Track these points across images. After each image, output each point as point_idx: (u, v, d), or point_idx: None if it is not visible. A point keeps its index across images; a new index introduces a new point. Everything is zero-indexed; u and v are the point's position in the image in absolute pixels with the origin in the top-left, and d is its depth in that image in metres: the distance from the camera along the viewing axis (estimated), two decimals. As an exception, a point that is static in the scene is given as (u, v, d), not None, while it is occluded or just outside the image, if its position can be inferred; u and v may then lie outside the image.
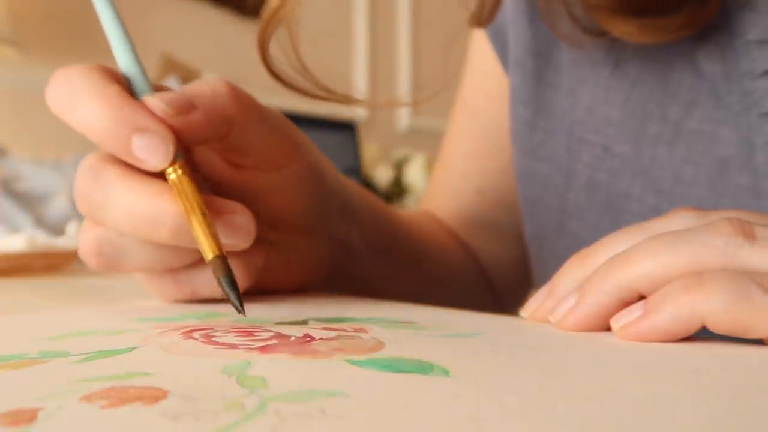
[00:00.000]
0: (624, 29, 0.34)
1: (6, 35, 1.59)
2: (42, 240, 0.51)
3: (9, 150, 1.48)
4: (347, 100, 0.38)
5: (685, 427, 0.13)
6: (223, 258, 0.25)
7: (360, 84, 2.30)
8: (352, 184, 0.39)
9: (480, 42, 0.50)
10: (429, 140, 2.42)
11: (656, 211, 0.37)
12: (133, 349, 0.20)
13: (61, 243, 0.53)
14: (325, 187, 0.34)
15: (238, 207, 0.27)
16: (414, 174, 2.05)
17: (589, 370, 0.18)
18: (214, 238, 0.25)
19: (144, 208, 0.25)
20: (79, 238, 0.28)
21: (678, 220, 0.25)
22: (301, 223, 0.33)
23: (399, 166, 2.07)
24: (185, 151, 0.27)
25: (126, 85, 0.27)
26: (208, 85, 0.27)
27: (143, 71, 0.27)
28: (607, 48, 0.39)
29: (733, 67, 0.35)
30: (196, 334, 0.22)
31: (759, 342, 0.21)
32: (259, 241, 0.28)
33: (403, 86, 2.45)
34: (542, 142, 0.43)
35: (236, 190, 0.30)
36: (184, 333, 0.22)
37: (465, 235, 0.52)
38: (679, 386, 0.16)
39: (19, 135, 1.73)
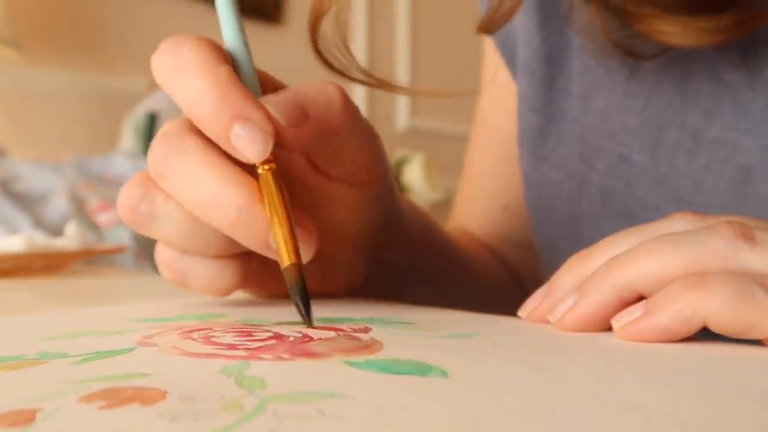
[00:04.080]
0: (667, 29, 0.33)
1: (5, 36, 1.59)
2: (41, 240, 0.51)
3: (8, 151, 1.48)
4: (385, 85, 0.36)
5: (685, 427, 0.13)
6: (299, 268, 0.24)
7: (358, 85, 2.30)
8: (409, 204, 0.38)
9: (495, 55, 0.49)
10: (428, 141, 2.42)
11: None
12: (132, 349, 0.20)
13: (60, 243, 0.53)
14: (389, 209, 0.33)
15: (307, 223, 0.26)
16: (413, 174, 2.05)
17: (589, 370, 0.18)
18: (294, 245, 0.24)
19: (213, 188, 0.24)
20: (155, 254, 0.28)
21: (678, 223, 0.25)
22: (354, 239, 0.32)
23: (398, 167, 2.07)
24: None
25: (233, 66, 0.26)
26: (321, 93, 0.26)
27: (249, 54, 0.26)
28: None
29: (756, 76, 0.34)
30: (194, 335, 0.22)
31: (758, 343, 0.21)
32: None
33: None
34: (554, 149, 0.43)
35: (309, 195, 0.29)
36: (182, 333, 0.22)
37: (503, 254, 0.52)
38: (679, 387, 0.16)
39: (18, 136, 1.73)
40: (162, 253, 0.27)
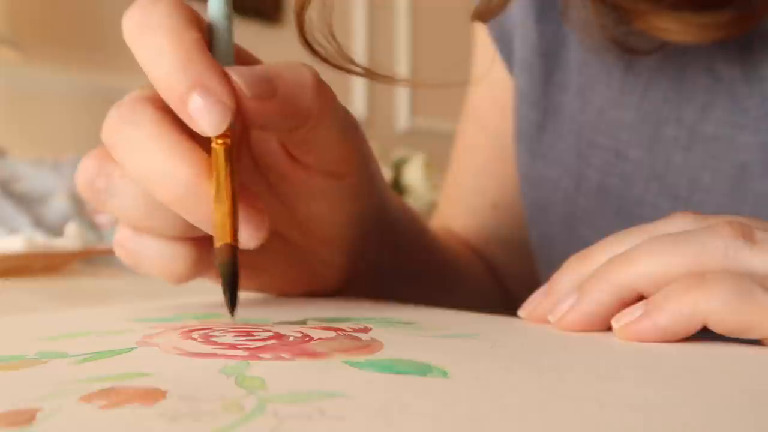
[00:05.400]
0: (666, 26, 0.32)
1: (5, 36, 1.59)
2: (40, 241, 0.51)
3: (8, 151, 1.48)
4: (369, 73, 0.35)
5: (685, 427, 0.13)
6: (233, 249, 0.23)
7: (358, 83, 2.30)
8: (396, 201, 0.36)
9: (487, 50, 0.48)
10: (428, 141, 2.42)
11: None
12: (132, 349, 0.20)
13: (60, 244, 0.53)
14: (372, 204, 0.32)
15: (259, 206, 0.24)
16: (413, 175, 2.05)
17: (588, 370, 0.18)
18: (233, 225, 0.23)
19: (160, 161, 0.23)
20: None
21: (678, 223, 0.25)
22: (331, 233, 0.31)
23: (398, 167, 2.07)
24: (244, 128, 0.24)
25: (206, 35, 0.24)
26: (293, 72, 0.25)
27: (230, 26, 0.25)
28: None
29: (752, 71, 0.34)
30: (194, 334, 0.22)
31: (758, 343, 0.21)
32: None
33: (401, 88, 2.45)
34: (551, 144, 0.42)
35: (284, 185, 0.28)
36: (182, 333, 0.22)
37: (487, 254, 0.51)
38: (679, 387, 0.16)
39: (17, 136, 1.73)
40: (118, 233, 0.26)
